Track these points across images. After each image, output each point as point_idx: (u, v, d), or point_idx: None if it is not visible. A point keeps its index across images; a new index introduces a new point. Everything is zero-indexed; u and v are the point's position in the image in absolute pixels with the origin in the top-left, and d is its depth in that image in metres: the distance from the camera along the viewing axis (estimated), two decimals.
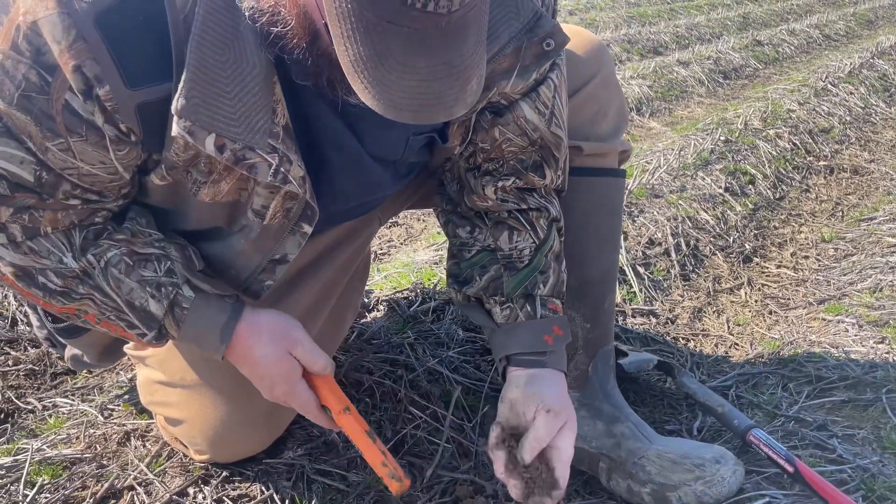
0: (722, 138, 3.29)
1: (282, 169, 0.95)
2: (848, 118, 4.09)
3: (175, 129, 0.88)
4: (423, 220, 2.71)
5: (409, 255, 2.28)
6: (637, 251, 2.26)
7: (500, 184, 1.18)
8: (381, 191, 1.24)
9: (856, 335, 1.83)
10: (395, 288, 1.96)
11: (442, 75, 0.76)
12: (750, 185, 2.95)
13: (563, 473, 1.09)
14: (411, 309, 1.83)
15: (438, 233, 2.45)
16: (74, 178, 0.95)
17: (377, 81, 0.76)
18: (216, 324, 1.05)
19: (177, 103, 0.87)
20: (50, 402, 1.52)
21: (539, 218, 1.20)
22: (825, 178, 3.29)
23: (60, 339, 1.35)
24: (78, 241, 1.01)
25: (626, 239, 2.28)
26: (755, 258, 2.46)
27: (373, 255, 2.12)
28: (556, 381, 1.15)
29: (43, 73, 0.86)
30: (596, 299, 1.35)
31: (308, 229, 1.08)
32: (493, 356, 1.28)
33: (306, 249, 1.26)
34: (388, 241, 2.54)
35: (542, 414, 1.08)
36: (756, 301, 2.18)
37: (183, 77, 0.86)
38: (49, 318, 1.34)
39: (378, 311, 1.88)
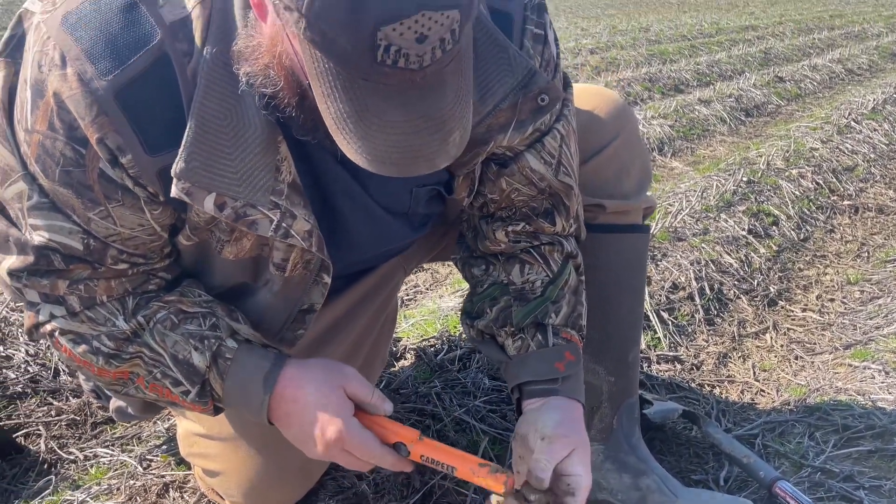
0: (744, 179, 3.31)
1: (283, 224, 0.99)
2: (872, 155, 4.08)
3: (174, 190, 0.93)
4: (448, 265, 2.76)
5: (434, 302, 2.32)
6: (661, 296, 2.28)
7: (510, 228, 1.21)
8: (398, 240, 1.27)
9: (882, 382, 1.83)
10: (422, 336, 2.00)
11: (420, 129, 0.79)
12: (773, 227, 2.96)
13: (580, 499, 1.03)
14: (438, 357, 1.87)
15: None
16: (118, 243, 1.00)
17: (358, 137, 0.79)
18: (259, 371, 1.04)
19: (176, 167, 0.92)
20: (91, 453, 1.58)
21: (552, 251, 1.21)
22: (850, 217, 3.28)
23: (107, 391, 1.40)
24: (131, 305, 1.06)
25: (649, 284, 2.30)
26: (780, 301, 2.46)
27: (399, 302, 2.16)
28: (563, 408, 1.12)
29: (77, 147, 0.92)
30: (620, 353, 1.38)
31: (328, 279, 1.11)
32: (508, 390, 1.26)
33: (335, 304, 1.31)
34: (414, 287, 2.58)
35: (538, 442, 1.06)
36: (782, 346, 2.18)
37: (183, 142, 0.91)
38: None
39: (406, 359, 1.92)
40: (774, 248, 2.80)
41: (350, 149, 0.80)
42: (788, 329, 2.29)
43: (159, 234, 1.02)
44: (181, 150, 0.91)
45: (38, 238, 0.98)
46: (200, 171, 0.92)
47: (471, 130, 0.86)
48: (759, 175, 3.40)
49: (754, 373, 2.03)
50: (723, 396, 1.91)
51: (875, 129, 4.51)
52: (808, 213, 3.19)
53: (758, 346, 2.18)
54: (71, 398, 1.74)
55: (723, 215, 2.90)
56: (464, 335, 1.98)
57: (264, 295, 1.12)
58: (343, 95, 0.78)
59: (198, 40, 0.91)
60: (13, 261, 1.01)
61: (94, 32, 0.89)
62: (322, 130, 0.88)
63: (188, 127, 0.91)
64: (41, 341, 1.08)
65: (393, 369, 1.85)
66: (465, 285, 2.38)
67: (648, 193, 1.45)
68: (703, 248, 2.60)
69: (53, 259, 0.99)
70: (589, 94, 1.37)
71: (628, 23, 12.22)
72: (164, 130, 0.92)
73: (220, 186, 0.94)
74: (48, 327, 1.05)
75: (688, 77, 6.52)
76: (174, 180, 0.92)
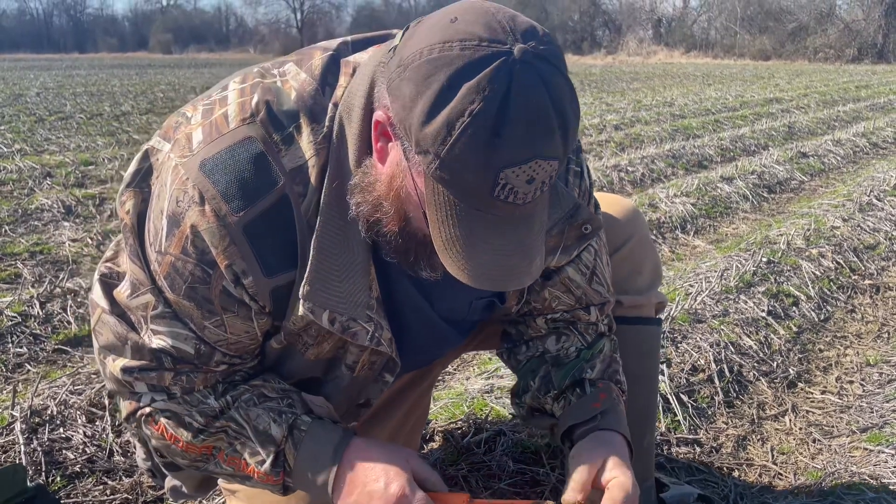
0: (764, 259, 3.40)
1: (376, 334, 1.17)
2: (894, 233, 4.15)
3: (301, 309, 1.11)
4: None
5: (462, 384, 2.43)
6: (681, 378, 2.36)
7: (549, 316, 1.38)
8: (449, 345, 1.45)
9: (894, 466, 1.88)
10: (449, 418, 2.11)
11: (512, 252, 0.98)
12: (794, 307, 3.03)
13: (618, 497, 1.13)
14: (464, 440, 1.97)
15: (489, 359, 2.60)
16: (223, 347, 1.17)
17: (463, 257, 0.97)
18: (330, 443, 1.19)
19: (302, 290, 1.10)
20: None
21: (587, 330, 1.39)
22: (871, 297, 3.34)
23: (164, 470, 1.53)
24: (220, 389, 1.23)
25: (669, 366, 2.39)
26: (799, 383, 2.52)
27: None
28: (598, 437, 1.24)
29: (206, 269, 1.10)
30: (636, 438, 1.47)
31: (390, 378, 1.28)
32: (563, 453, 1.36)
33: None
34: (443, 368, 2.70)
35: (575, 466, 1.19)
36: (800, 429, 2.24)
37: (307, 269, 1.09)
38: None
39: (434, 441, 2.02)
40: (794, 329, 2.88)
41: (454, 266, 0.98)
42: (808, 411, 2.35)
43: (258, 338, 1.20)
44: (307, 274, 1.09)
45: (157, 342, 1.15)
46: (320, 292, 1.10)
47: None
48: (780, 255, 3.49)
49: (773, 456, 2.09)
50: (741, 479, 1.97)
51: None
52: (828, 293, 3.26)
53: (777, 429, 2.24)
54: (124, 478, 1.87)
55: (742, 296, 2.99)
56: (490, 417, 2.09)
57: (330, 389, 1.28)
58: (456, 222, 0.96)
59: (313, 182, 1.09)
60: (128, 361, 1.19)
61: (229, 177, 1.07)
62: (412, 255, 1.08)
63: (311, 256, 1.09)
64: (134, 426, 1.25)
65: (423, 451, 1.96)
66: (492, 367, 2.50)
67: (660, 289, 1.58)
68: (723, 329, 2.68)
69: (164, 361, 1.16)
70: (606, 202, 1.54)
71: (653, 97, 12.51)
72: (278, 257, 1.11)
73: (333, 305, 1.12)
74: (147, 409, 1.21)
75: (711, 153, 6.67)
76: (301, 301, 1.10)
